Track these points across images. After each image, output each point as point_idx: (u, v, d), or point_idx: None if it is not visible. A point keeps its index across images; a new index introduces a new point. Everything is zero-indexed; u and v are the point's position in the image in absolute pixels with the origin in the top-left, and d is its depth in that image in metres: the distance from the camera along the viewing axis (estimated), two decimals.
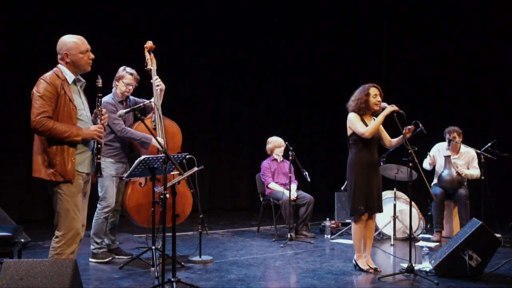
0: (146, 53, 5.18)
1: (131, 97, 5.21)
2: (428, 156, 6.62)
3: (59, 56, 3.63)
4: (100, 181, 4.92)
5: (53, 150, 3.48)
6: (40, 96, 3.46)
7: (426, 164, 6.65)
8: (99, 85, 3.69)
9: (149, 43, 5.21)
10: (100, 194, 4.98)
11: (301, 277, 4.65)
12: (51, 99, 3.47)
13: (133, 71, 5.12)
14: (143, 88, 5.31)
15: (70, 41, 3.60)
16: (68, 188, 3.52)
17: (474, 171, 6.50)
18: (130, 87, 5.10)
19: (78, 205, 3.58)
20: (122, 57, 5.80)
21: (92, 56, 3.67)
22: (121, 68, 5.12)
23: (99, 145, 3.66)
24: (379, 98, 4.75)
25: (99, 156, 3.67)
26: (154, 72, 5.13)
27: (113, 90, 5.13)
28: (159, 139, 4.82)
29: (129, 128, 5.00)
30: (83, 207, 3.73)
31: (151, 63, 5.14)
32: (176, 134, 5.22)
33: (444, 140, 6.61)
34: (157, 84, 5.07)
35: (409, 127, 4.65)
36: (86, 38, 3.70)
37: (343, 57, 10.38)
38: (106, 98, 4.98)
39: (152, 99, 5.01)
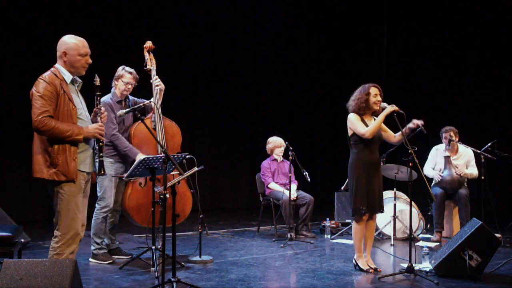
0: (146, 53, 5.17)
1: (131, 97, 5.20)
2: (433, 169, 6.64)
3: (57, 54, 3.63)
4: (99, 181, 4.92)
5: (55, 149, 3.47)
6: (40, 96, 3.44)
7: (429, 171, 6.64)
8: (97, 84, 3.69)
9: (149, 43, 5.20)
10: (98, 194, 4.98)
11: (301, 277, 4.65)
12: (51, 98, 3.47)
13: (132, 70, 5.11)
14: (143, 89, 5.31)
15: (71, 41, 3.61)
16: (70, 188, 3.52)
17: (474, 171, 6.52)
18: (130, 86, 5.08)
19: (79, 205, 3.58)
20: (122, 57, 5.80)
21: (89, 61, 3.66)
22: (120, 68, 5.11)
23: (100, 143, 3.67)
24: (379, 98, 4.76)
25: (101, 154, 3.67)
26: (153, 72, 5.12)
27: (112, 90, 5.12)
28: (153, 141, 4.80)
29: (120, 136, 4.97)
30: (83, 207, 3.73)
31: (151, 63, 5.14)
32: (175, 134, 5.21)
33: (441, 141, 6.62)
34: (157, 84, 5.07)
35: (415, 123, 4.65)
36: (86, 38, 3.70)
37: (343, 57, 10.38)
38: (105, 98, 4.97)
39: (152, 99, 5.01)
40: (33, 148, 3.56)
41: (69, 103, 3.54)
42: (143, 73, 5.20)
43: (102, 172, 3.67)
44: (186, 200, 5.13)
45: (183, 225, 6.49)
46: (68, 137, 3.47)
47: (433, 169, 6.66)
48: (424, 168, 6.68)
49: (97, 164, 3.68)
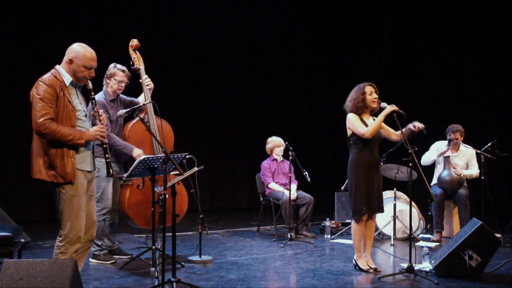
0: (132, 52, 5.03)
1: (121, 95, 5.12)
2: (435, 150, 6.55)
3: (64, 58, 3.62)
4: (96, 183, 4.88)
5: (53, 152, 3.50)
6: (41, 99, 3.45)
7: (431, 157, 6.56)
8: (90, 87, 3.67)
9: (134, 41, 5.06)
10: (96, 196, 4.95)
11: (301, 277, 4.65)
12: (52, 101, 3.47)
13: (124, 67, 5.01)
14: (130, 87, 5.18)
15: (81, 51, 3.59)
16: (71, 188, 3.54)
17: (474, 171, 6.51)
18: (122, 84, 4.99)
19: (82, 205, 3.59)
20: (119, 57, 5.77)
21: (93, 74, 3.65)
22: (112, 65, 5.01)
23: (104, 145, 3.68)
24: (375, 96, 4.77)
25: (107, 155, 3.69)
26: (142, 71, 5.01)
27: (103, 88, 5.02)
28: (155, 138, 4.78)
29: (113, 135, 4.90)
30: (92, 207, 3.76)
31: (139, 62, 5.01)
32: (168, 133, 5.15)
33: (444, 138, 6.58)
34: (147, 83, 4.98)
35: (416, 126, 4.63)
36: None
37: (343, 57, 10.37)
38: (98, 98, 4.88)
39: (144, 99, 4.95)
40: (32, 149, 3.58)
41: (69, 105, 3.54)
42: (131, 72, 5.09)
43: (111, 173, 3.69)
44: (182, 199, 5.11)
45: (183, 225, 6.50)
46: (69, 141, 3.49)
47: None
48: (423, 157, 6.53)
49: (100, 166, 3.68)
